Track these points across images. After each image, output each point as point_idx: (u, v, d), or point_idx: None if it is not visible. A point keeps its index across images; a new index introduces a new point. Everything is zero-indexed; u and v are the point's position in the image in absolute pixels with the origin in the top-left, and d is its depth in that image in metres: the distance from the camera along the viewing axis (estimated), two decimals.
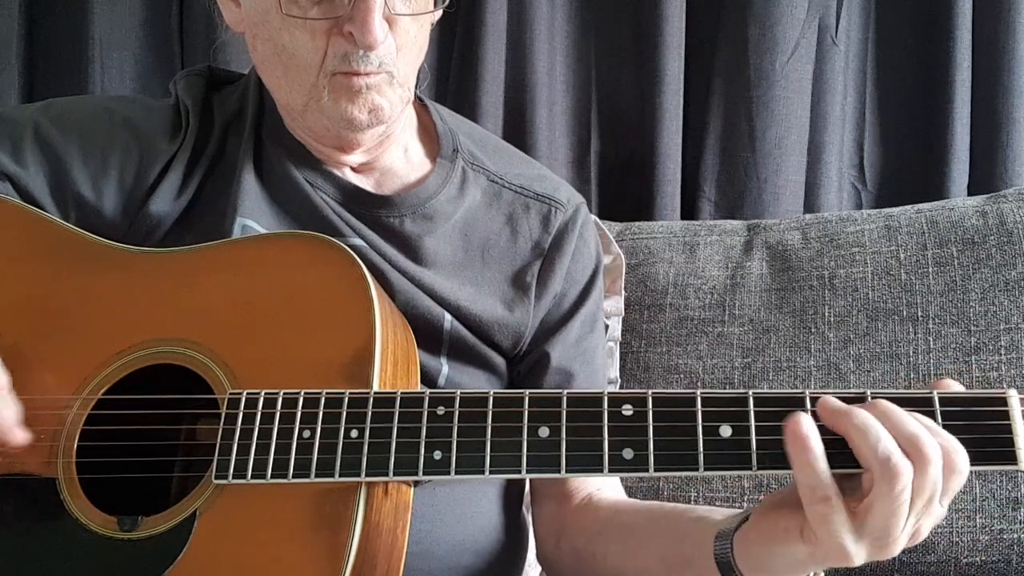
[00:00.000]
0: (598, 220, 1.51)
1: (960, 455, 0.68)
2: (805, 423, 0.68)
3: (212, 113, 1.07)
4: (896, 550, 0.69)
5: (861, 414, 0.68)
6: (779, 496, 0.74)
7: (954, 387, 0.72)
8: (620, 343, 1.43)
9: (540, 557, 1.09)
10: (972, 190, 1.64)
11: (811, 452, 0.68)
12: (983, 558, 1.25)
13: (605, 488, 1.06)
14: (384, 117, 0.97)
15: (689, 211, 1.71)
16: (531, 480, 1.14)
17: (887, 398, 0.71)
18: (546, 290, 1.07)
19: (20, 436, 0.82)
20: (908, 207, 1.46)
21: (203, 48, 1.66)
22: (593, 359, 1.11)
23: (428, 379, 1.01)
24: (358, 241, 1.01)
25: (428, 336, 1.00)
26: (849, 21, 1.69)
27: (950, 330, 1.32)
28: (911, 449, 0.67)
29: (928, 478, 0.67)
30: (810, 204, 1.69)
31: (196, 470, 0.83)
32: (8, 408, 0.81)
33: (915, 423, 0.68)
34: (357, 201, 1.03)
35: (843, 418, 0.69)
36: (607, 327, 1.36)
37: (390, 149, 1.07)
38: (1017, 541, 1.25)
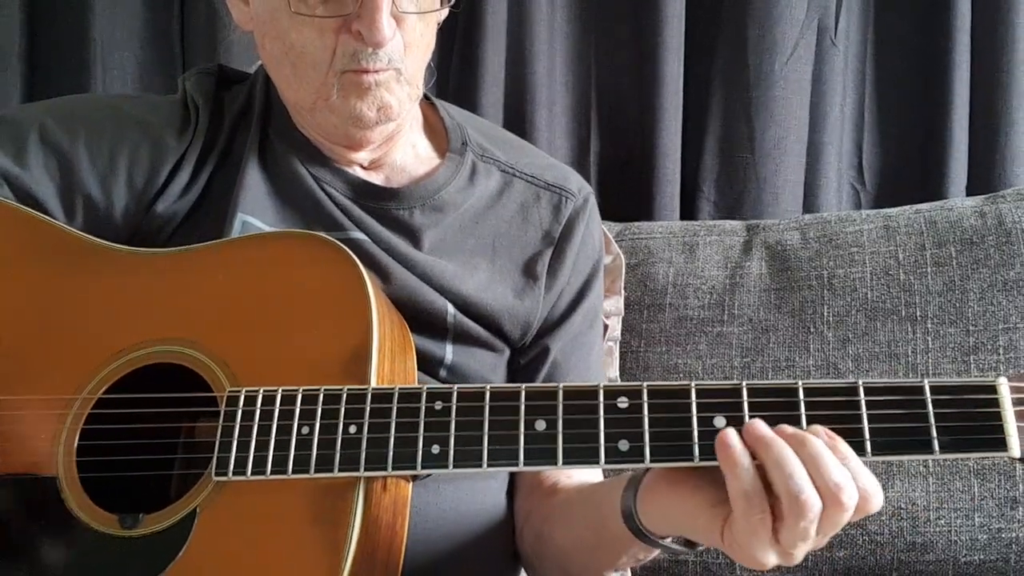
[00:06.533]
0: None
1: (873, 501, 0.68)
2: (731, 435, 0.69)
3: (223, 111, 1.07)
4: (796, 560, 0.70)
5: (779, 447, 0.68)
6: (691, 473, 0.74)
7: None
8: (620, 343, 1.43)
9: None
10: (971, 190, 1.64)
11: (740, 465, 0.68)
12: (981, 557, 1.25)
13: (575, 474, 1.05)
14: (392, 114, 0.97)
15: (689, 211, 1.71)
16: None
17: (877, 388, 0.71)
18: (556, 280, 1.08)
19: None
20: (907, 207, 1.46)
21: (205, 49, 1.66)
22: (589, 353, 1.12)
23: (432, 364, 1.01)
24: (359, 235, 1.01)
25: (433, 325, 1.01)
26: (848, 21, 1.69)
27: (948, 330, 1.32)
28: (829, 496, 0.67)
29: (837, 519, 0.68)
30: (809, 204, 1.69)
31: (196, 468, 0.83)
32: None
33: (839, 471, 0.68)
34: (366, 195, 1.04)
35: (762, 447, 0.69)
36: (607, 327, 1.36)
37: (398, 147, 1.07)
38: (1015, 540, 1.25)
